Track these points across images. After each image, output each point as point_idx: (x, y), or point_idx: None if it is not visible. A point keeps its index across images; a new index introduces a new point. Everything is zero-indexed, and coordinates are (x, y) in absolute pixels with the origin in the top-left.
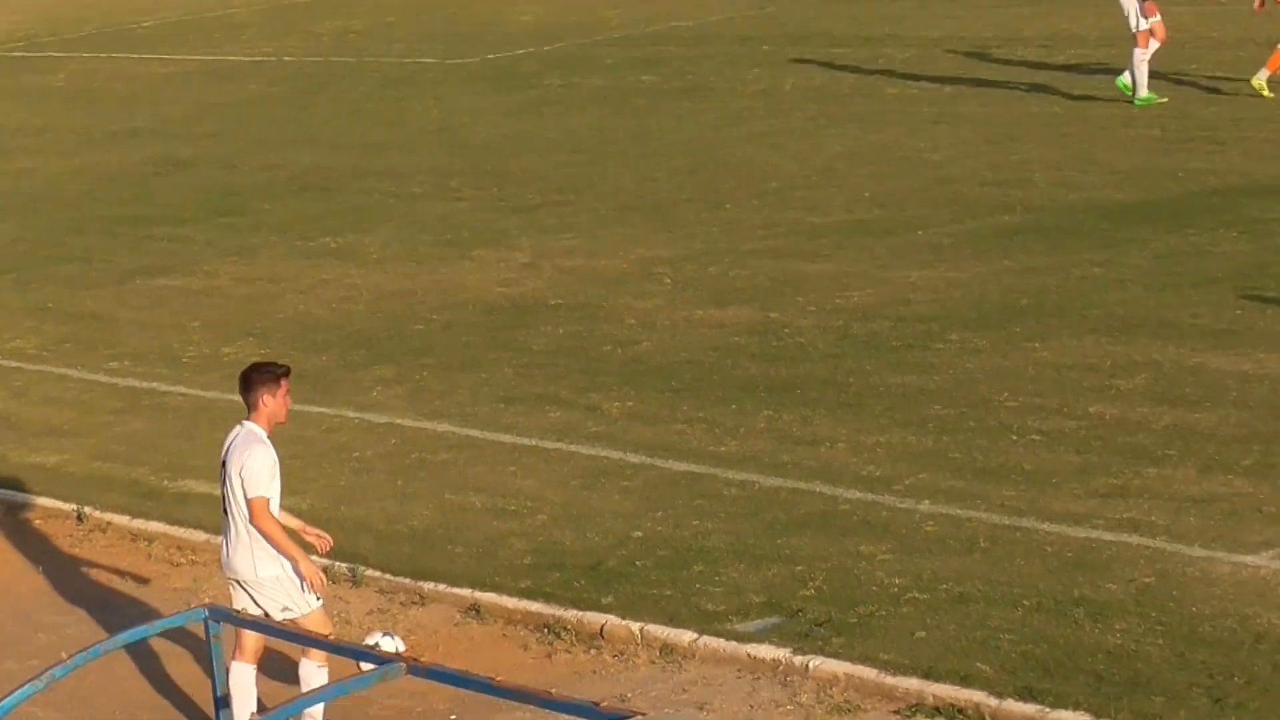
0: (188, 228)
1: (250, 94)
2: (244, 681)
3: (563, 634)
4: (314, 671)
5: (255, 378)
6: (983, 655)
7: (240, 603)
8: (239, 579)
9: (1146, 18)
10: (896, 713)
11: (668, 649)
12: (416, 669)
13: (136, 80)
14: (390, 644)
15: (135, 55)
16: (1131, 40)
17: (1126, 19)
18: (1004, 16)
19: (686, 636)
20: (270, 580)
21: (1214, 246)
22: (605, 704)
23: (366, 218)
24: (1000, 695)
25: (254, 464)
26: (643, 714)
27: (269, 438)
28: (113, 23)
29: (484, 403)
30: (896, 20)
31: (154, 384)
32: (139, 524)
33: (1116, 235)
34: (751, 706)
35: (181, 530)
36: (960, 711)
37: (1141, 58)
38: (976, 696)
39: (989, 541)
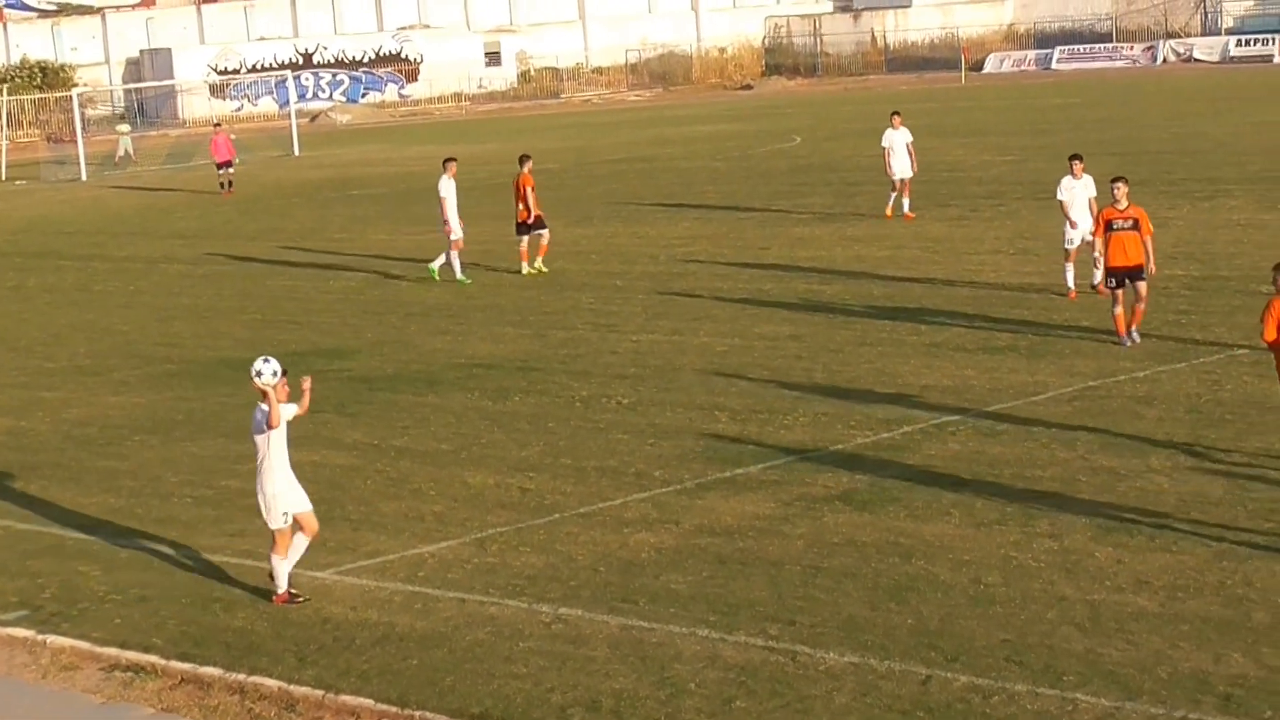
0: None
1: None
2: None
3: None
4: (302, 540)
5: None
6: (157, 633)
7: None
8: (264, 492)
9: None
10: (102, 669)
11: None
12: None
13: None
14: (269, 368)
15: None
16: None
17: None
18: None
19: None
20: (278, 494)
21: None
22: None
23: None
24: (167, 658)
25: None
26: None
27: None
28: None
29: None
30: (100, 245)
31: None
32: None
33: (238, 377)
34: (9, 667)
35: None
36: (142, 669)
37: (452, 256)
38: (153, 658)
39: (160, 561)
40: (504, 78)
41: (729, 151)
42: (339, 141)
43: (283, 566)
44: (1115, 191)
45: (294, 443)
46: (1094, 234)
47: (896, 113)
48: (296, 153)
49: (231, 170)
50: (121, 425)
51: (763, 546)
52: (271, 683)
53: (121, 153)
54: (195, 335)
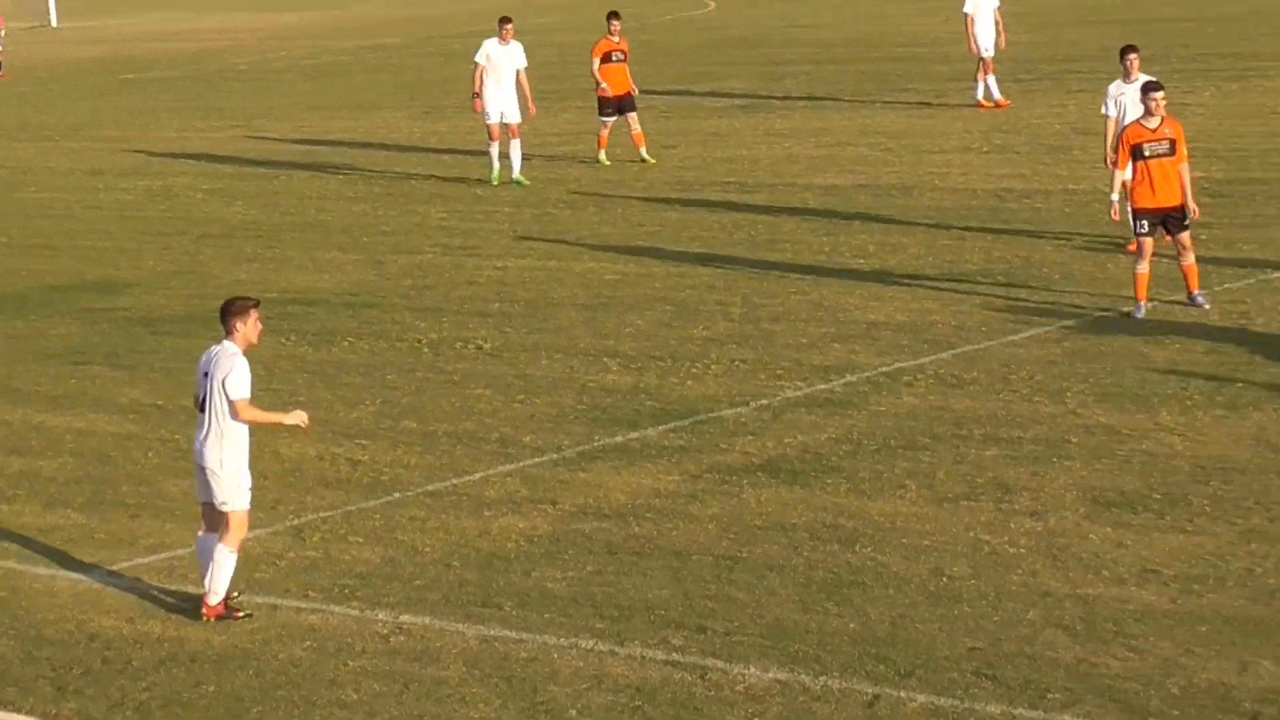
0: None
1: None
2: (206, 546)
3: None
4: (225, 553)
5: (230, 309)
6: None
7: (201, 492)
8: (205, 466)
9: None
10: None
11: None
12: None
13: None
14: None
15: None
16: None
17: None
18: None
19: None
20: (226, 473)
21: (51, 330)
22: None
23: None
24: None
25: (237, 374)
26: None
27: (244, 354)
28: None
29: None
30: None
31: None
32: None
33: None
34: None
35: None
36: None
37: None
38: None
39: None
40: None
41: (624, 21)
42: (112, 8)
43: (230, 563)
44: (1150, 102)
45: (55, 404)
46: (1113, 163)
47: None
48: (54, 23)
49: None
50: None
51: (664, 532)
52: None
53: None
54: None
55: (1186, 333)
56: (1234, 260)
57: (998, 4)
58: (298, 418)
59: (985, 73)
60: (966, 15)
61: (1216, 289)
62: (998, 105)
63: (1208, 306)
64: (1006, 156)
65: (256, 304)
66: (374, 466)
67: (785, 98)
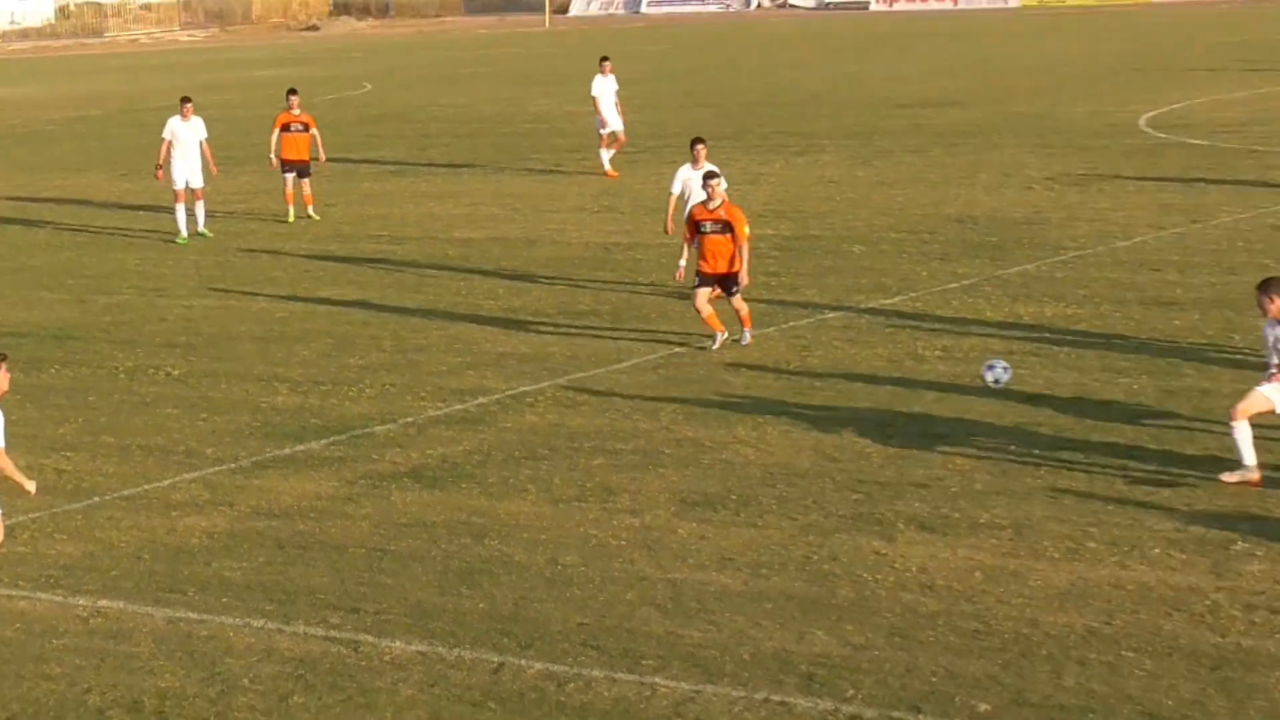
0: None
1: None
2: None
3: None
4: None
5: None
6: None
7: None
8: None
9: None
10: None
11: None
12: None
13: None
14: None
15: None
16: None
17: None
18: None
19: None
20: None
21: None
22: None
23: None
24: None
25: None
26: None
27: None
28: None
29: None
30: None
31: None
32: None
33: None
34: None
35: None
36: None
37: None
38: None
39: None
40: (39, 13)
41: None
42: None
43: None
44: (708, 188)
45: None
46: (685, 238)
47: (606, 58)
48: None
49: None
50: None
51: (325, 529)
52: None
53: None
54: None
55: (758, 363)
56: (797, 302)
57: (616, 88)
58: (31, 486)
59: (603, 145)
60: (594, 97)
61: (784, 326)
62: (606, 175)
63: (747, 342)
64: (613, 216)
65: (4, 358)
66: (76, 475)
67: (430, 164)
